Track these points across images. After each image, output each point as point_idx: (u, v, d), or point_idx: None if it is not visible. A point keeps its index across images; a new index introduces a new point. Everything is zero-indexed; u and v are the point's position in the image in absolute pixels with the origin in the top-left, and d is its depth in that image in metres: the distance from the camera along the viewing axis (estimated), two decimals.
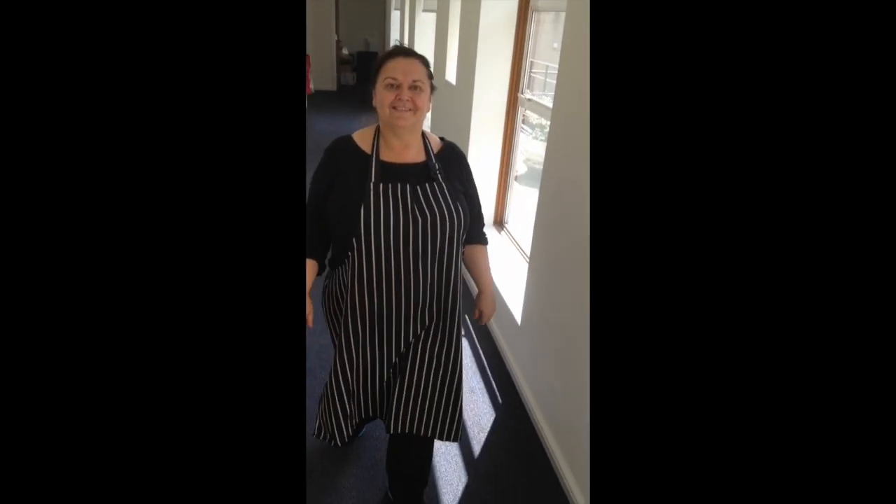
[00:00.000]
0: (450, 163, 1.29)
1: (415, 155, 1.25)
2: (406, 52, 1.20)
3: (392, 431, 1.35)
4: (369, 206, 1.16)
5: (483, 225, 1.42)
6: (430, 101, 1.21)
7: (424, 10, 4.73)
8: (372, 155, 1.22)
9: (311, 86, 7.87)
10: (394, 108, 1.16)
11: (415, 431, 1.36)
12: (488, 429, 1.96)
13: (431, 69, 1.22)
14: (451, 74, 3.54)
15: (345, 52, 10.04)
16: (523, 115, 2.78)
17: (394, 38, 7.27)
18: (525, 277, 2.11)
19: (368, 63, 10.06)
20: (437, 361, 1.33)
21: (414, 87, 1.17)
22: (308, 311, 1.27)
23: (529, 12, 2.57)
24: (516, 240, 2.77)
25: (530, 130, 3.42)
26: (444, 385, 1.36)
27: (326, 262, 1.32)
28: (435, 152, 1.28)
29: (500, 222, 3.01)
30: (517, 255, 2.67)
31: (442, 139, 1.33)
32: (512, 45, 2.69)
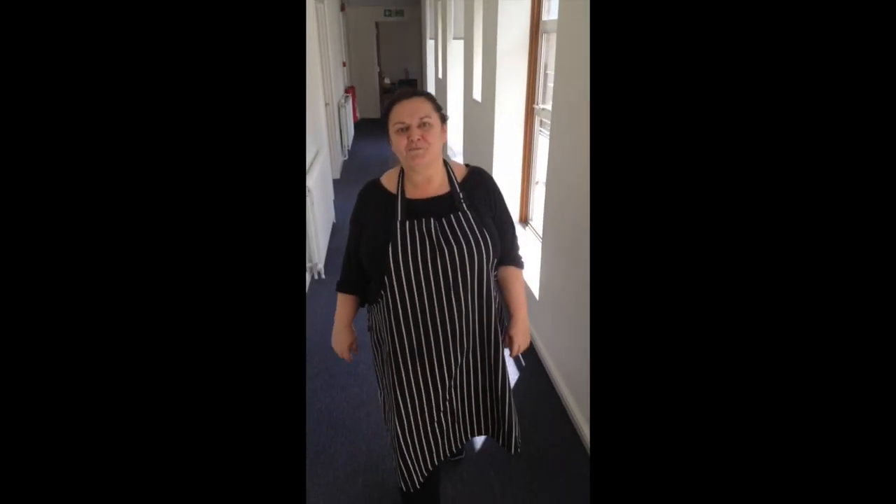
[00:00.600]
0: (475, 189, 1.31)
1: (438, 187, 1.29)
2: (409, 94, 1.24)
3: (454, 450, 1.45)
4: (397, 245, 1.21)
5: (517, 248, 1.43)
6: (442, 132, 1.25)
7: (455, 38, 5.21)
8: (397, 195, 1.27)
9: (357, 114, 8.56)
10: (409, 150, 1.20)
11: (474, 434, 1.45)
12: (514, 381, 2.32)
13: (437, 102, 1.28)
14: (477, 93, 3.96)
15: (387, 81, 10.74)
16: (540, 122, 3.14)
17: (429, 65, 7.81)
18: (540, 259, 2.46)
19: None
20: (482, 383, 1.40)
21: (423, 125, 1.20)
22: (349, 343, 1.44)
23: (540, 34, 2.96)
24: (538, 233, 3.11)
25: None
26: (493, 404, 1.42)
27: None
28: (459, 181, 1.31)
29: (524, 220, 3.36)
30: (539, 245, 3.00)
31: (467, 166, 1.36)
32: (527, 63, 3.08)
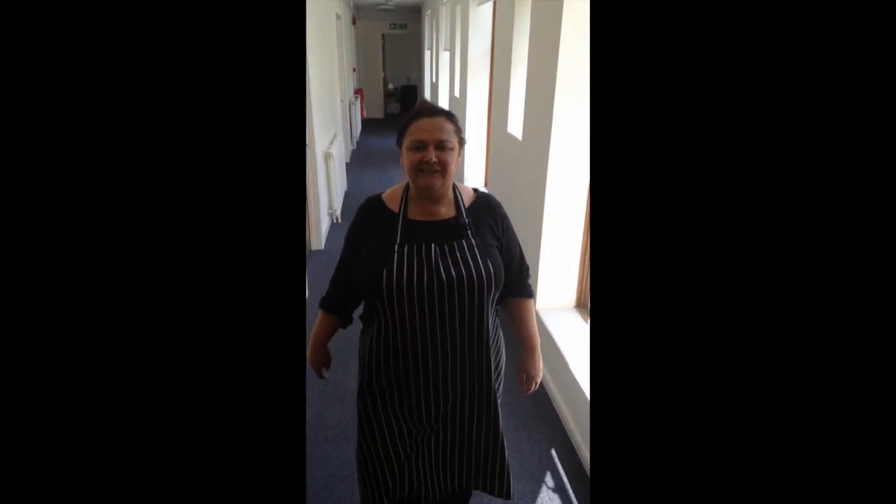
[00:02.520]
0: (482, 216, 1.22)
1: (444, 211, 1.20)
2: (431, 111, 1.16)
3: (434, 499, 1.30)
4: (392, 269, 1.11)
5: (527, 277, 1.32)
6: (459, 156, 1.17)
7: (444, 49, 6.47)
8: (399, 214, 1.18)
9: (364, 113, 9.88)
10: (420, 170, 1.11)
11: (463, 486, 1.31)
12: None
13: (459, 124, 1.19)
14: (456, 91, 5.20)
15: (390, 86, 12.05)
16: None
17: (426, 72, 9.11)
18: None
19: (410, 94, 12.12)
20: (475, 430, 1.27)
21: (441, 147, 1.11)
22: (324, 361, 1.36)
23: (493, 47, 4.16)
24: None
25: None
26: (487, 455, 1.29)
27: (359, 317, 1.30)
28: (466, 206, 1.22)
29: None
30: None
31: (475, 190, 1.28)
32: (489, 68, 4.25)
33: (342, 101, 6.30)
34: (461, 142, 1.17)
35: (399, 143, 1.17)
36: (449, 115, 1.16)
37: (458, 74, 5.13)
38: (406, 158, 1.14)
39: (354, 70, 9.10)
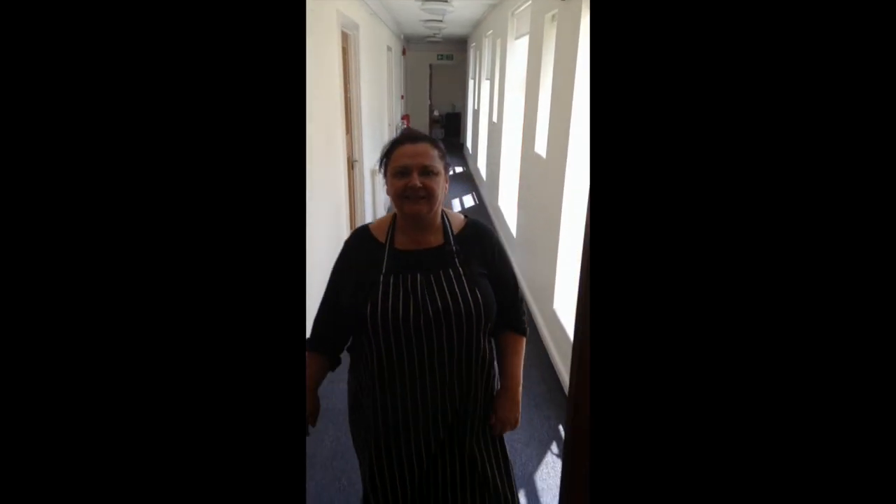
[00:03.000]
0: (472, 244, 1.18)
1: (432, 239, 1.16)
2: (414, 137, 1.13)
3: None
4: (377, 301, 1.08)
5: (520, 312, 1.25)
6: (446, 183, 1.14)
7: (486, 79, 6.92)
8: (385, 243, 1.15)
9: None
10: (406, 197, 1.08)
11: None
12: None
13: (443, 149, 1.16)
14: (495, 117, 5.60)
15: (436, 113, 12.65)
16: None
17: (470, 100, 9.61)
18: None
19: (454, 121, 12.68)
20: (476, 462, 1.18)
21: (426, 173, 1.08)
22: (310, 411, 1.19)
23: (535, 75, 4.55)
24: None
25: None
26: (491, 480, 1.19)
27: (346, 348, 1.24)
28: (455, 233, 1.18)
29: None
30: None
31: (466, 217, 1.24)
32: (524, 95, 4.64)
33: (389, 125, 6.83)
34: (447, 167, 1.15)
35: (383, 170, 1.15)
36: (433, 141, 1.14)
37: (496, 101, 5.54)
38: (391, 185, 1.12)
39: (402, 97, 9.71)
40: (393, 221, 1.19)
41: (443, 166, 1.13)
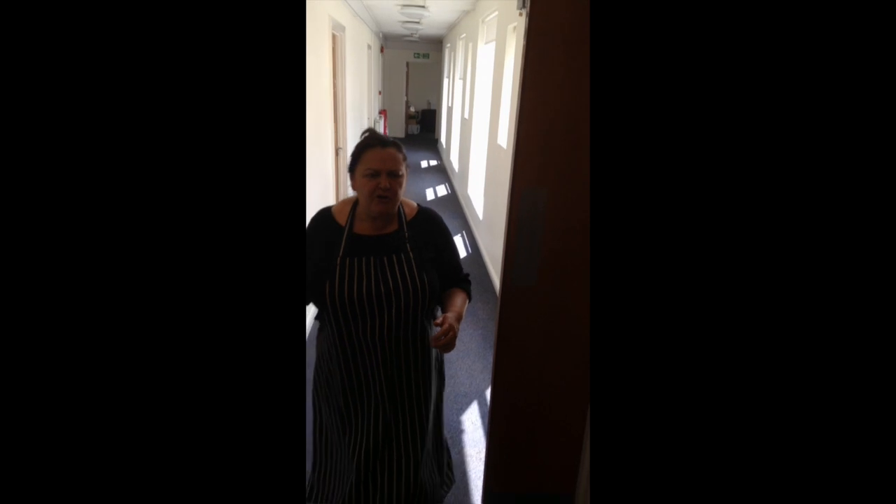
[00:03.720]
0: (422, 230, 1.32)
1: (388, 226, 1.29)
2: (383, 142, 1.24)
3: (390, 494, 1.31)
4: (334, 282, 1.21)
5: (462, 279, 1.40)
6: (405, 181, 1.27)
7: (459, 78, 7.45)
8: (345, 227, 1.27)
9: (387, 132, 10.94)
10: (376, 196, 1.21)
11: (411, 482, 1.32)
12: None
13: (404, 152, 1.28)
14: (466, 114, 6.12)
15: (412, 109, 13.14)
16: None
17: (444, 97, 10.13)
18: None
19: (430, 117, 13.20)
20: (412, 426, 1.34)
21: (393, 175, 1.21)
22: None
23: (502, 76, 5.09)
24: None
25: None
26: (431, 443, 1.40)
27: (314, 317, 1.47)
28: (408, 219, 1.31)
29: None
30: None
31: (418, 205, 1.37)
32: (490, 93, 5.17)
33: (369, 118, 7.28)
34: (407, 168, 1.28)
35: (352, 168, 1.27)
36: (398, 146, 1.26)
37: (468, 99, 6.07)
38: (360, 184, 1.24)
39: (380, 93, 10.14)
40: (353, 208, 1.30)
41: (404, 168, 1.26)
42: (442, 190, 7.38)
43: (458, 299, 1.34)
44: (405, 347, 1.30)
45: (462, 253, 4.82)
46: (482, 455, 1.98)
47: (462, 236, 5.28)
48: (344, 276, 1.23)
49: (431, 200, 6.68)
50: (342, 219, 1.31)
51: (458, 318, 1.26)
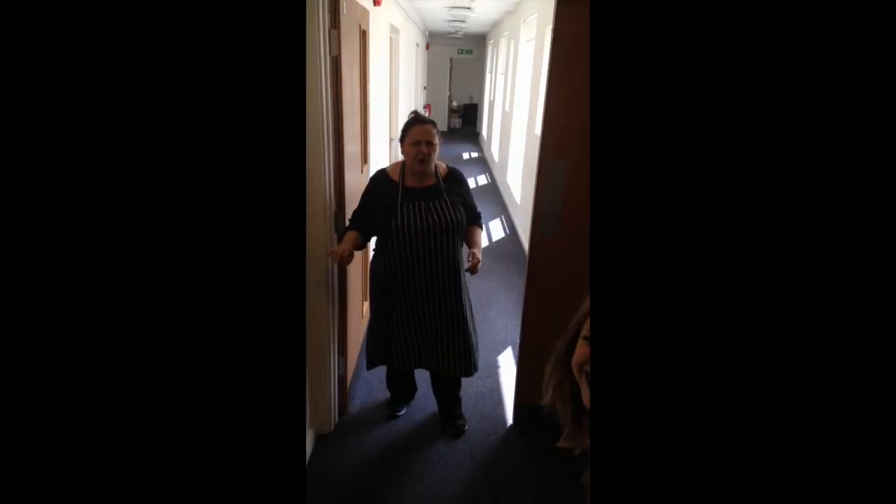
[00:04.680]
0: (452, 183, 2.00)
1: (427, 180, 1.97)
2: (423, 120, 1.93)
3: (433, 371, 2.19)
4: (398, 218, 1.89)
5: (477, 215, 2.11)
6: (439, 147, 1.95)
7: (500, 74, 7.92)
8: (399, 183, 1.95)
9: None
10: (417, 159, 1.89)
11: (444, 373, 2.15)
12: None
13: (438, 128, 1.98)
14: (507, 106, 6.58)
15: (454, 104, 13.64)
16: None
17: (486, 92, 10.60)
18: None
19: (471, 111, 13.69)
20: (448, 319, 2.04)
21: (429, 144, 1.88)
22: (349, 250, 1.91)
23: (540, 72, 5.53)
24: None
25: None
26: (457, 335, 2.06)
27: (373, 248, 2.10)
28: (442, 177, 1.99)
29: None
30: None
31: (448, 167, 2.05)
32: (530, 87, 5.61)
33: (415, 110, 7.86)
34: (440, 139, 1.95)
35: (402, 139, 1.95)
36: (433, 123, 1.95)
37: (509, 93, 6.54)
38: (407, 150, 1.93)
39: (425, 88, 10.70)
40: (402, 169, 1.98)
41: (437, 139, 1.94)
42: (482, 179, 7.88)
43: (477, 235, 2.08)
44: (445, 262, 1.96)
45: (500, 233, 5.32)
46: (513, 381, 2.51)
47: (501, 219, 5.77)
48: (404, 214, 1.90)
49: (473, 189, 7.18)
50: (395, 177, 1.98)
51: (479, 248, 2.02)
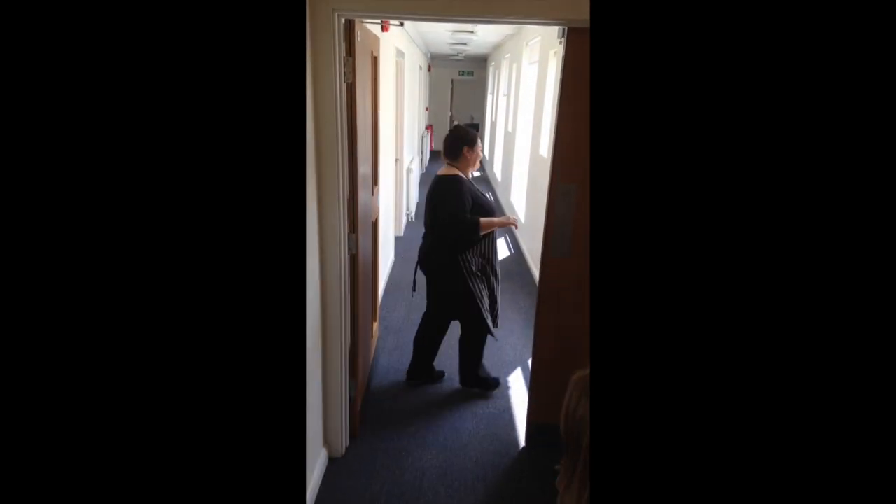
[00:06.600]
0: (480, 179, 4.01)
1: (472, 176, 2.72)
2: (481, 137, 3.31)
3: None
4: (479, 199, 2.59)
5: None
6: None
7: (502, 95, 8.04)
8: (467, 179, 2.61)
9: (433, 145, 11.62)
10: (476, 166, 2.65)
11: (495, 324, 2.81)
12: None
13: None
14: (510, 127, 6.68)
15: (455, 123, 13.81)
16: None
17: (488, 112, 10.74)
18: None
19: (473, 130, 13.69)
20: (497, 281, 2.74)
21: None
22: (511, 217, 2.91)
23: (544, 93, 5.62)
24: None
25: None
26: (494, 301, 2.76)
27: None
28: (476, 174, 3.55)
29: None
30: None
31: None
32: (533, 109, 5.71)
33: (418, 132, 7.96)
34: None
35: (468, 144, 2.57)
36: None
37: (511, 114, 6.64)
38: (473, 156, 2.60)
39: (427, 109, 10.85)
40: (462, 170, 2.62)
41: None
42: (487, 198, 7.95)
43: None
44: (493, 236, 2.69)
45: (505, 253, 5.35)
46: (524, 402, 2.51)
47: (506, 239, 5.81)
48: (478, 196, 2.59)
49: None
50: (466, 175, 2.62)
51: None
